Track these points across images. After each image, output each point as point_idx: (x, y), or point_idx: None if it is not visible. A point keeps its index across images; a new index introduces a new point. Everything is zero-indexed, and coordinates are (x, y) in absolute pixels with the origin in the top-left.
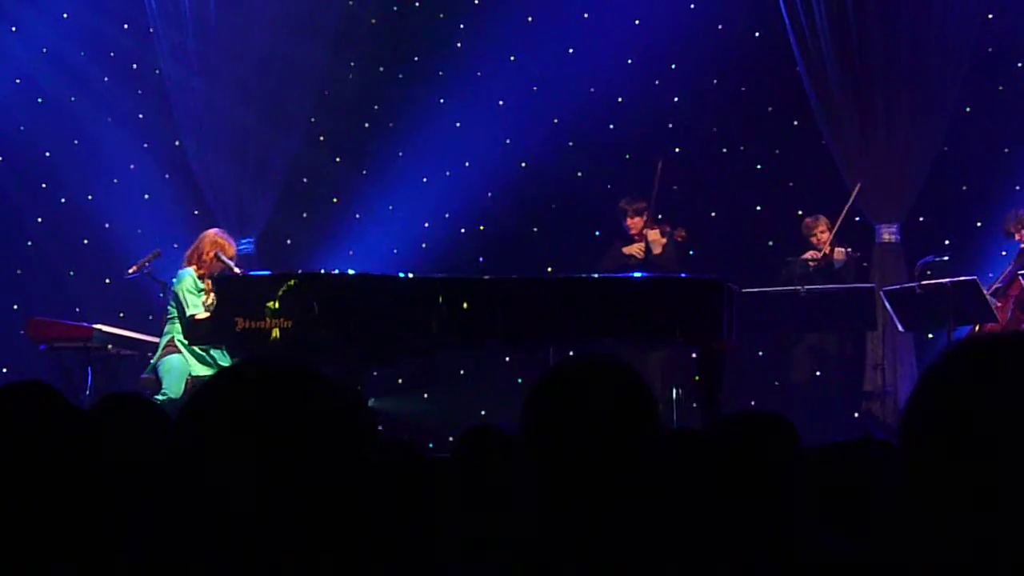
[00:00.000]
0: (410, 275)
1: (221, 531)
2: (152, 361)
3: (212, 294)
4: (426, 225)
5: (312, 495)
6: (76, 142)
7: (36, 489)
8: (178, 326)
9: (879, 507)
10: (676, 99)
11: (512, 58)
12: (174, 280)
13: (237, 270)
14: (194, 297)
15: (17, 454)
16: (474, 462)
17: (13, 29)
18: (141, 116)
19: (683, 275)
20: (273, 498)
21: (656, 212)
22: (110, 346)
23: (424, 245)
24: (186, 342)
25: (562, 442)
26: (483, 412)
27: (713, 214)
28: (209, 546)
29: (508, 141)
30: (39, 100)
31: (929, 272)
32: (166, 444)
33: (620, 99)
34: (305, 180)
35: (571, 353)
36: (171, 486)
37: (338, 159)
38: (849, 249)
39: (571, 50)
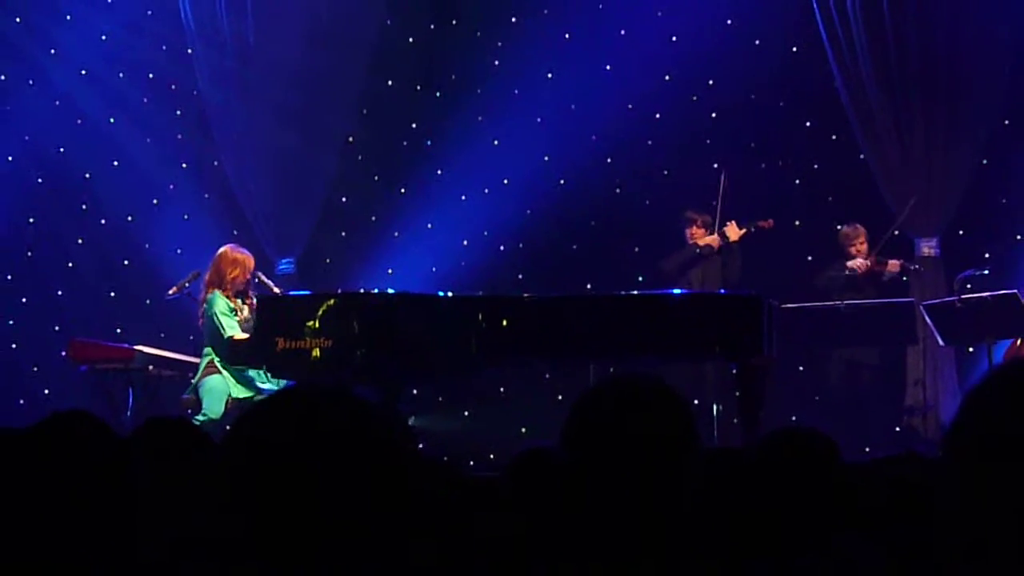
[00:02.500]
0: (449, 293)
1: (265, 556)
2: (193, 382)
3: (245, 310)
4: (465, 243)
5: (355, 519)
6: (116, 163)
7: (79, 518)
8: (214, 350)
9: (922, 523)
10: (714, 115)
11: (550, 75)
12: (205, 306)
13: (276, 289)
14: (229, 319)
15: (62, 485)
16: (527, 484)
17: (52, 51)
18: (180, 136)
19: (722, 291)
20: (317, 522)
21: (721, 222)
22: (151, 367)
23: (463, 263)
24: (226, 363)
25: (603, 461)
26: (523, 429)
27: (752, 229)
28: (254, 570)
29: (546, 158)
30: (78, 121)
31: (969, 286)
32: (208, 468)
33: (658, 115)
34: (344, 199)
35: (611, 371)
36: (216, 510)
37: (376, 178)
38: (903, 261)
39: (608, 67)
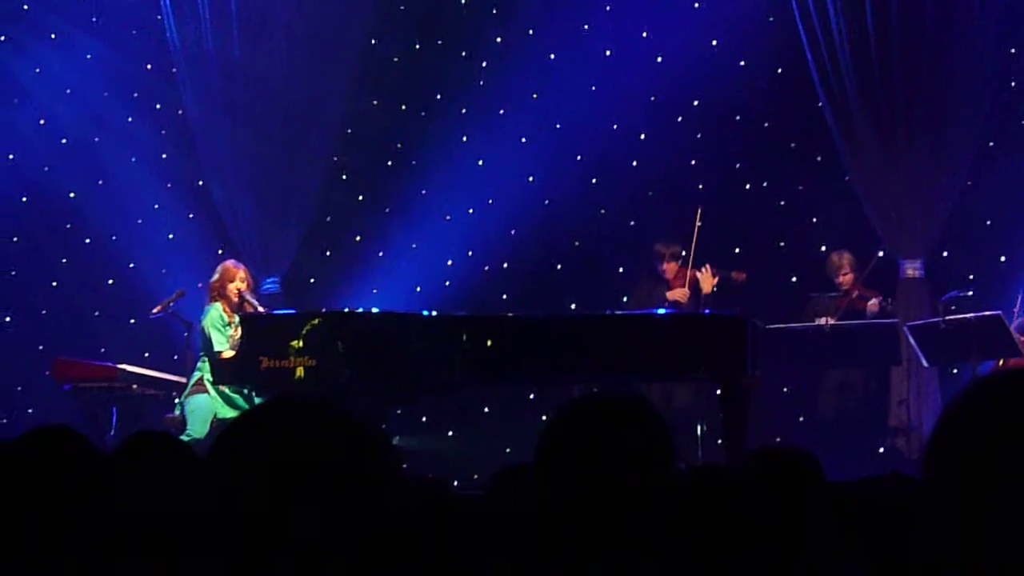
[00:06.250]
0: (434, 313)
1: (247, 569)
2: (180, 398)
3: (240, 328)
4: (449, 263)
5: (340, 532)
6: (100, 182)
7: (59, 532)
8: (207, 364)
9: (906, 543)
10: (699, 135)
11: (535, 96)
12: (202, 317)
13: (261, 309)
14: (219, 334)
15: (42, 498)
16: (507, 501)
17: (37, 71)
18: (165, 156)
19: (706, 311)
20: (300, 536)
21: (698, 257)
22: (134, 386)
23: (448, 283)
24: (213, 382)
25: (575, 478)
26: (508, 450)
27: (737, 250)
28: None
29: (531, 178)
30: (63, 141)
31: (953, 307)
32: (193, 483)
33: (643, 136)
34: (329, 219)
35: (594, 390)
36: (199, 525)
37: (361, 197)
38: (881, 298)
39: (594, 87)
